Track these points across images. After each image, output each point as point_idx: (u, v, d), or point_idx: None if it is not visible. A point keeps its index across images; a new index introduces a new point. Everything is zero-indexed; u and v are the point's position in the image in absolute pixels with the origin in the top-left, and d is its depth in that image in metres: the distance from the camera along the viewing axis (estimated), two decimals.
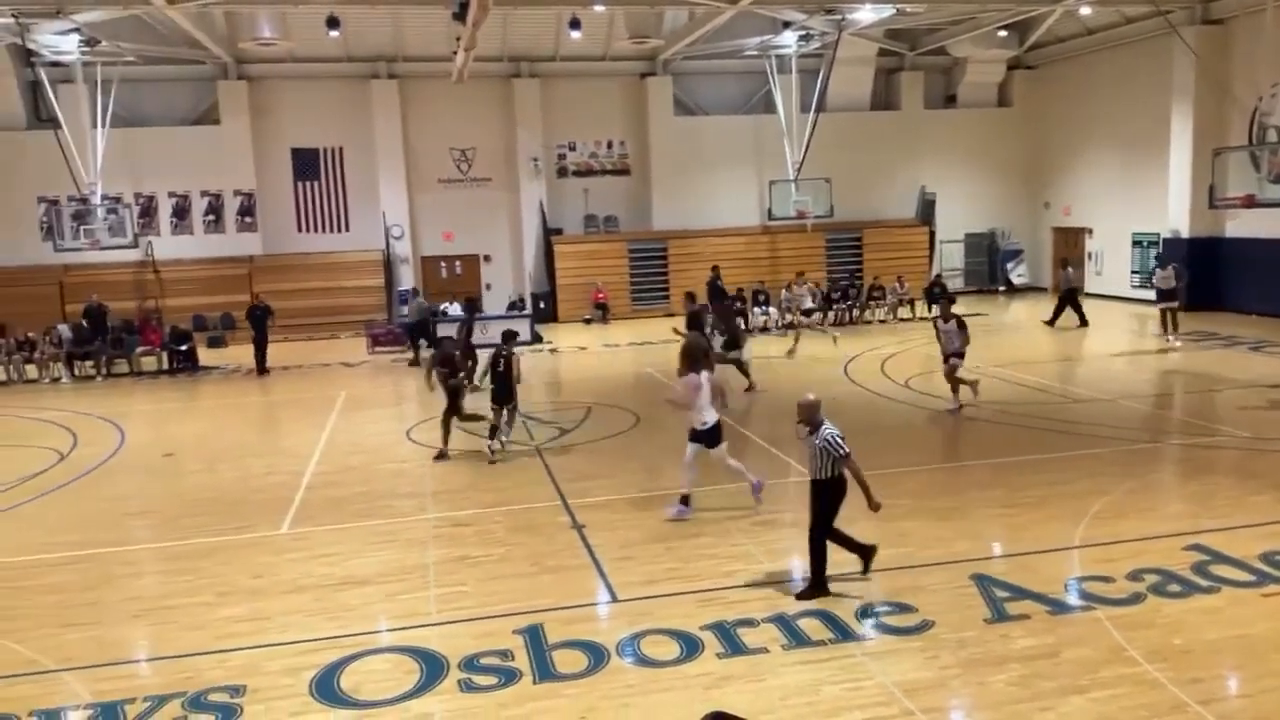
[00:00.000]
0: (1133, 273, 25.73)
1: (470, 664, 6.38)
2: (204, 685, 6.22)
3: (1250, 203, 18.77)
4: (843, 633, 6.67)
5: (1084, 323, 21.45)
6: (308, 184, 26.53)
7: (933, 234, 28.57)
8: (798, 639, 6.58)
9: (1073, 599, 7.10)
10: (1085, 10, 23.79)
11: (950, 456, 11.99)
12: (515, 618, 7.05)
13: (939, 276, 26.29)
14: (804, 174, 25.73)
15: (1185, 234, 22.92)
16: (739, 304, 22.46)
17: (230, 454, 12.84)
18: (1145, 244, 25.05)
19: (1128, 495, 9.49)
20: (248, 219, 26.02)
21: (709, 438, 9.28)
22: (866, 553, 7.52)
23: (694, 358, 9.90)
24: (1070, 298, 21.83)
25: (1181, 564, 7.59)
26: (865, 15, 22.55)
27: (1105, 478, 10.00)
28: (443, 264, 27.76)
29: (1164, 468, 10.84)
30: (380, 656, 6.63)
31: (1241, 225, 22.04)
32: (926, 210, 28.70)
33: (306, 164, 26.45)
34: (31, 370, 20.26)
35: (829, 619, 6.85)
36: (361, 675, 6.32)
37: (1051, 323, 21.83)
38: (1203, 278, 21.38)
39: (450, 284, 27.18)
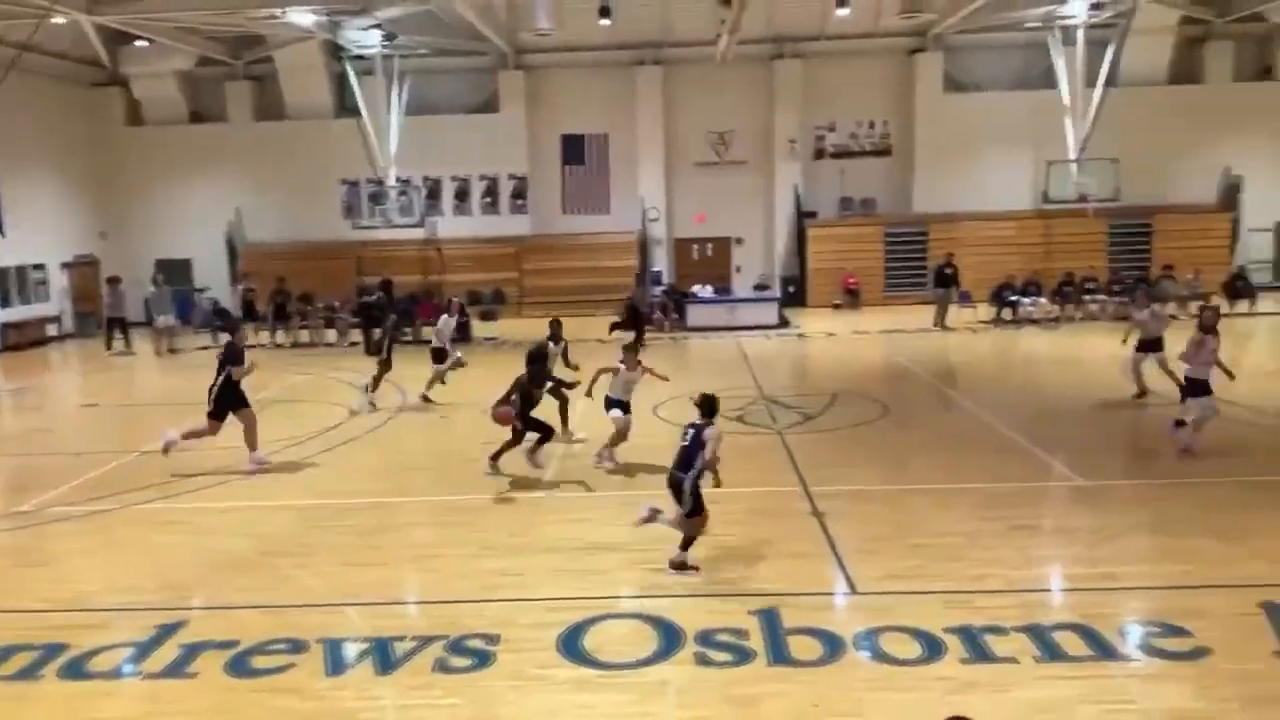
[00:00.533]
0: None
1: (706, 639, 6.50)
2: (464, 631, 6.72)
3: None
4: (1104, 650, 6.17)
5: None
6: (574, 168, 27.82)
7: (1236, 221, 25.57)
8: (1051, 652, 6.16)
9: None
10: None
11: (1252, 469, 10.57)
12: (751, 599, 7.09)
13: (1242, 269, 23.54)
14: (1088, 154, 23.73)
15: None
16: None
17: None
18: None
19: None
20: (519, 201, 27.70)
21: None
22: None
23: None
24: None
25: None
26: None
27: None
28: (695, 246, 28.19)
29: None
30: (621, 621, 6.88)
31: None
32: (1230, 195, 25.69)
33: (574, 149, 27.74)
34: (331, 335, 22.74)
35: (1089, 635, 6.35)
36: (603, 637, 6.60)
37: None
38: None
39: (701, 266, 27.57)
